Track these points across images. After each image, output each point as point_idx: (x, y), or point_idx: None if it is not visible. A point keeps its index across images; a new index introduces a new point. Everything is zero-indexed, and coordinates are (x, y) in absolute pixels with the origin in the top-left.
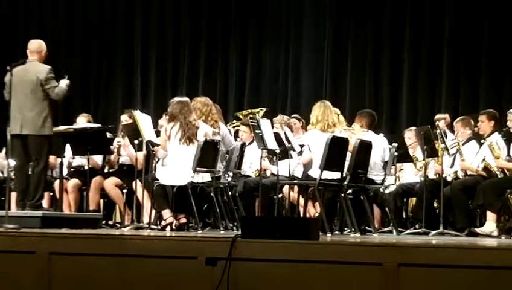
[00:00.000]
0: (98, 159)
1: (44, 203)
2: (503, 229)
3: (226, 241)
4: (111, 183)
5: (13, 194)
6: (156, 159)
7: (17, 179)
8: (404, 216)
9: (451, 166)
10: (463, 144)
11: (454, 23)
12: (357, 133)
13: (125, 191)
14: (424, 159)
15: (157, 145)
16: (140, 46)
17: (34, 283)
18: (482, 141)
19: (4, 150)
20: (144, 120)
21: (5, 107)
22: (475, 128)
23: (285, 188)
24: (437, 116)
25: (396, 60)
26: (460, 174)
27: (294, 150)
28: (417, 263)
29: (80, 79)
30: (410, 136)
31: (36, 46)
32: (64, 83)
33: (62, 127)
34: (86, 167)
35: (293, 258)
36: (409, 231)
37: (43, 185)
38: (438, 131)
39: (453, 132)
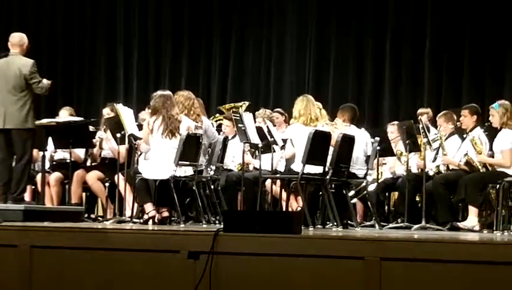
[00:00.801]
0: (80, 152)
1: (27, 196)
2: (484, 224)
3: (208, 235)
4: (93, 177)
5: None
6: (138, 153)
7: (0, 172)
8: (386, 210)
9: (434, 160)
10: (445, 139)
11: (436, 18)
12: (339, 127)
13: (107, 184)
14: (406, 153)
15: (140, 138)
16: (122, 39)
17: (16, 276)
18: (464, 136)
19: None
20: (126, 114)
21: None
22: (457, 123)
23: (268, 182)
24: (419, 111)
25: (379, 55)
26: (442, 168)
27: (276, 144)
28: (399, 257)
29: (62, 72)
30: (392, 130)
31: (17, 39)
32: (45, 81)
33: (44, 120)
34: (68, 161)
35: (276, 252)
36: (391, 225)
37: (26, 178)
38: (420, 125)
39: (435, 126)
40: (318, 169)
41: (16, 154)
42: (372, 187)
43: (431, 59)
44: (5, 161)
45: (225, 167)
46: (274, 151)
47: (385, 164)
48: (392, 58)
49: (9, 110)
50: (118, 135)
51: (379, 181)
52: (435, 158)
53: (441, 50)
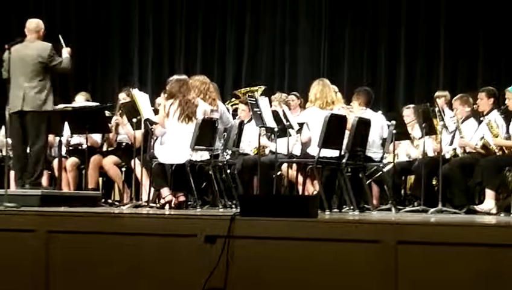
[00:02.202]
0: (96, 137)
1: (44, 181)
2: (501, 207)
3: (224, 219)
4: (110, 162)
5: (12, 173)
6: (154, 138)
7: (15, 157)
8: (402, 194)
9: (450, 144)
10: (462, 122)
11: (451, 1)
12: (355, 111)
13: (123, 169)
14: (422, 137)
15: (156, 123)
16: (136, 23)
17: (33, 261)
18: (481, 119)
19: (3, 128)
20: (142, 98)
21: (3, 86)
22: (474, 106)
23: (284, 166)
24: (437, 94)
25: (394, 37)
26: (459, 151)
27: (292, 128)
28: (416, 241)
29: (77, 58)
30: (408, 114)
31: (34, 25)
32: (65, 51)
33: (60, 106)
34: (85, 146)
35: (292, 236)
36: (407, 208)
37: (42, 163)
38: (436, 109)
39: (452, 109)
40: (334, 153)
41: (29, 138)
42: (388, 170)
43: (446, 41)
44: (20, 146)
45: (241, 151)
46: (290, 135)
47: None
48: (407, 40)
49: (28, 94)
50: (134, 120)
51: (395, 164)
52: (452, 141)
53: (456, 32)
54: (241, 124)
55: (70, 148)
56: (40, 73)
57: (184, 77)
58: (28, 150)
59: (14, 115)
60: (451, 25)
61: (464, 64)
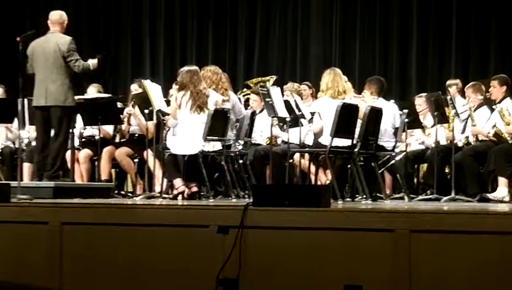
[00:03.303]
0: (108, 129)
1: None
2: None
3: (237, 209)
4: (122, 153)
5: (25, 165)
6: (167, 129)
7: (37, 149)
8: (415, 182)
9: (463, 132)
10: (474, 110)
11: None
12: (367, 100)
13: (136, 160)
14: (434, 125)
15: (168, 114)
16: (148, 15)
17: (47, 253)
18: (493, 107)
19: (16, 120)
20: (153, 89)
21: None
22: (486, 94)
23: (296, 156)
24: (448, 82)
25: (405, 26)
26: (471, 139)
27: (304, 118)
28: (429, 229)
29: (88, 49)
30: (420, 102)
31: (57, 17)
32: (91, 62)
33: None
34: (97, 137)
35: (305, 226)
36: (420, 197)
37: (62, 156)
38: (448, 97)
39: (464, 97)
40: (346, 142)
41: (53, 132)
42: (400, 159)
43: (458, 29)
44: (42, 139)
45: (253, 142)
46: (302, 125)
47: (413, 136)
48: (418, 29)
49: (50, 88)
50: (146, 111)
51: (407, 153)
52: (464, 129)
53: (468, 20)
54: (253, 115)
55: (83, 140)
56: (61, 67)
57: (195, 67)
58: (49, 143)
59: (38, 109)
60: (463, 13)
61: (475, 52)
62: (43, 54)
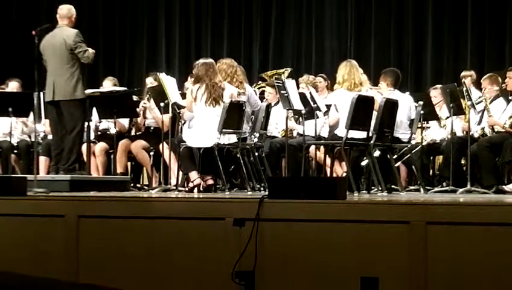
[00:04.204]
0: (124, 122)
1: None
2: None
3: (253, 202)
4: (138, 146)
5: (41, 159)
6: (182, 121)
7: (54, 143)
8: (431, 174)
9: (479, 123)
10: (490, 102)
11: None
12: (383, 92)
13: (152, 153)
14: (450, 117)
15: (183, 107)
16: (163, 8)
17: (64, 246)
18: (509, 98)
19: (32, 114)
20: (169, 82)
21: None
22: (502, 85)
23: (312, 148)
24: (463, 74)
25: (421, 18)
26: (487, 130)
27: (320, 110)
28: (445, 221)
29: (104, 43)
30: (435, 94)
31: (65, 11)
32: (90, 50)
33: (88, 91)
34: (113, 130)
35: (321, 218)
36: (436, 189)
37: (77, 150)
38: (464, 88)
39: (479, 89)
40: (362, 134)
41: (66, 126)
42: (416, 151)
43: (473, 22)
44: (57, 133)
45: (269, 134)
46: (317, 117)
47: (429, 127)
48: (434, 21)
49: (58, 82)
50: (162, 104)
51: (423, 145)
52: (480, 121)
53: (483, 11)
54: (269, 107)
55: (99, 133)
56: (69, 60)
57: (210, 60)
58: (64, 137)
59: (49, 104)
60: (479, 5)
61: (491, 43)
62: (52, 48)
